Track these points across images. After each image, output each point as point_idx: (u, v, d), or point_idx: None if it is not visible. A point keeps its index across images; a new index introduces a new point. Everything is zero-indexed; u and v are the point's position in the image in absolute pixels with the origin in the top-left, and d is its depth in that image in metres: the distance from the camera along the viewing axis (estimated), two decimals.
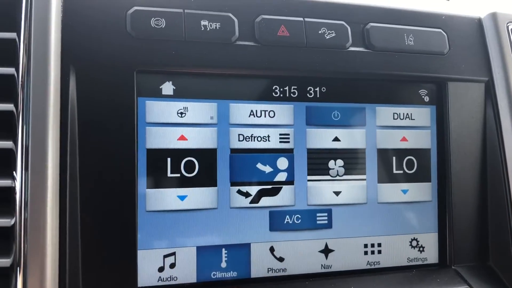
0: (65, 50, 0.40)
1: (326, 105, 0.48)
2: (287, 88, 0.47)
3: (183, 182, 0.44)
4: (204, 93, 0.45)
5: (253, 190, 0.46)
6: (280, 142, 0.47)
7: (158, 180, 0.43)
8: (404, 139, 0.50)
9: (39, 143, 0.38)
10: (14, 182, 0.38)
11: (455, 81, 0.51)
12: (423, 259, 0.51)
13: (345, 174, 0.48)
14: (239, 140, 0.46)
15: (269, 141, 0.46)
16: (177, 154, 0.44)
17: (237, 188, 0.45)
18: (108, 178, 0.41)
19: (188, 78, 0.45)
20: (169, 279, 0.43)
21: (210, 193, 0.45)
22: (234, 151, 0.46)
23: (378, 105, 0.50)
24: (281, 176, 0.47)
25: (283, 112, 0.47)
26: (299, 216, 0.47)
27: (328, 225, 0.48)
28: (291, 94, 0.47)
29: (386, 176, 0.50)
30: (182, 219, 0.44)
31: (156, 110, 0.44)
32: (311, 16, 0.47)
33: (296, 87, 0.47)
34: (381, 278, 0.48)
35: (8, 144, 0.38)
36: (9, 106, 0.39)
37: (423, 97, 0.51)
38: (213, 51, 0.44)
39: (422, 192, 0.51)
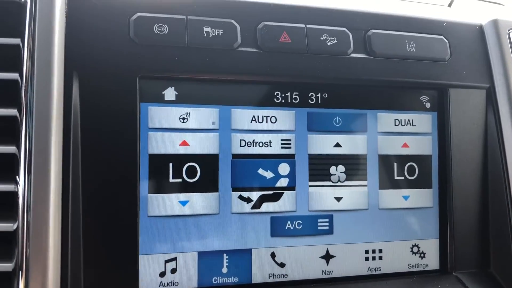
0: (69, 56, 0.41)
1: (327, 111, 0.48)
2: (288, 94, 0.47)
3: (185, 188, 0.44)
4: (206, 99, 0.45)
5: (255, 195, 0.46)
6: (282, 147, 0.47)
7: (160, 185, 0.44)
8: (405, 145, 0.51)
9: (42, 148, 0.38)
10: (17, 186, 0.38)
11: (457, 87, 0.51)
12: (424, 265, 0.51)
13: (346, 180, 0.49)
14: (240, 146, 0.46)
15: (270, 146, 0.47)
16: (179, 159, 0.44)
17: (238, 193, 0.46)
18: (110, 183, 0.41)
19: (190, 83, 0.45)
20: (170, 284, 0.43)
21: (212, 199, 0.45)
22: (235, 156, 0.46)
23: (380, 111, 0.50)
24: (283, 182, 0.47)
25: (285, 118, 0.47)
26: (300, 222, 0.47)
27: (329, 231, 0.48)
28: (293, 100, 0.48)
29: (387, 182, 0.50)
30: (184, 224, 0.44)
31: (159, 115, 0.44)
32: (313, 22, 0.47)
33: (297, 93, 0.48)
34: (382, 284, 0.48)
35: (11, 149, 0.38)
36: (13, 111, 0.39)
37: (424, 103, 0.51)
38: (215, 57, 0.44)
39: (423, 198, 0.51)
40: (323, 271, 0.47)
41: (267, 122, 0.47)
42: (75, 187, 0.40)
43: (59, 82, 0.40)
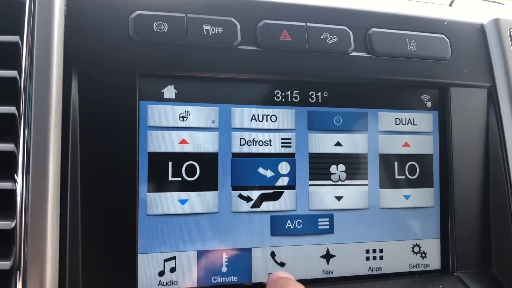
0: (68, 54, 0.41)
1: (328, 109, 0.48)
2: (289, 92, 0.47)
3: (184, 186, 0.44)
4: (206, 97, 0.45)
5: (255, 194, 0.46)
6: (282, 146, 0.47)
7: (159, 184, 0.43)
8: (406, 144, 0.50)
9: (40, 146, 0.38)
10: (15, 184, 0.38)
11: (458, 86, 0.51)
12: (425, 265, 0.50)
13: (347, 179, 0.48)
14: (240, 144, 0.46)
15: (270, 145, 0.46)
16: (179, 158, 0.44)
17: (238, 192, 0.45)
18: (109, 182, 0.41)
19: (190, 82, 0.45)
20: (169, 283, 0.43)
21: (211, 197, 0.45)
22: (235, 155, 0.45)
23: (380, 110, 0.50)
24: (283, 181, 0.46)
25: (285, 117, 0.47)
26: (301, 221, 0.47)
27: (330, 230, 0.47)
28: (293, 99, 0.47)
29: (388, 181, 0.49)
30: (183, 223, 0.44)
31: (158, 114, 0.44)
32: (313, 21, 0.47)
33: (298, 91, 0.47)
34: (383, 284, 0.47)
35: (9, 146, 0.38)
36: (11, 109, 0.39)
37: (425, 102, 0.51)
38: (215, 55, 0.44)
39: (424, 197, 0.50)
40: (323, 270, 0.47)
41: (267, 120, 0.47)
42: (74, 186, 0.40)
43: (58, 80, 0.40)
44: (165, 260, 0.43)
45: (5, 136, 0.39)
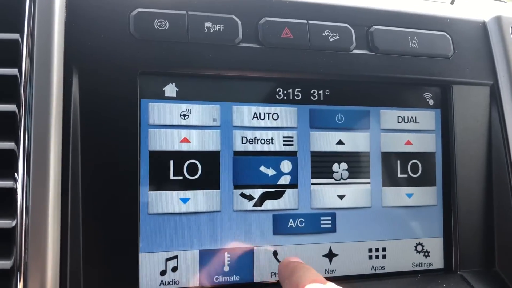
0: (68, 52, 0.40)
1: (330, 108, 0.48)
2: (290, 90, 0.47)
3: (186, 185, 0.44)
4: (207, 95, 0.45)
5: (256, 193, 0.45)
6: (284, 145, 0.46)
7: (161, 183, 0.43)
8: (408, 142, 0.50)
9: (41, 144, 0.38)
10: (16, 183, 0.37)
11: (460, 84, 0.51)
12: (428, 264, 0.50)
13: (349, 177, 0.48)
14: (242, 143, 0.45)
15: (272, 143, 0.46)
16: (180, 157, 0.44)
17: (240, 191, 0.45)
18: (110, 181, 0.41)
19: (191, 80, 0.44)
20: (171, 282, 0.43)
21: (213, 196, 0.44)
22: (237, 153, 0.45)
23: (382, 108, 0.49)
24: (285, 179, 0.46)
25: (287, 115, 0.47)
26: (303, 220, 0.46)
27: (332, 229, 0.47)
28: (295, 97, 0.47)
29: (391, 180, 0.49)
30: (185, 222, 0.43)
31: (159, 112, 0.43)
32: (315, 18, 0.47)
33: (299, 89, 0.47)
34: (386, 283, 0.47)
35: (10, 145, 0.38)
36: (12, 107, 0.38)
37: (427, 100, 0.51)
38: (216, 53, 0.44)
39: (427, 196, 0.50)
40: (326, 269, 0.47)
41: (268, 119, 0.46)
42: (75, 184, 0.40)
43: (58, 78, 0.39)
44: (167, 260, 0.43)
45: (5, 135, 0.39)
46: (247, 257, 0.45)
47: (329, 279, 0.46)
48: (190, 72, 0.44)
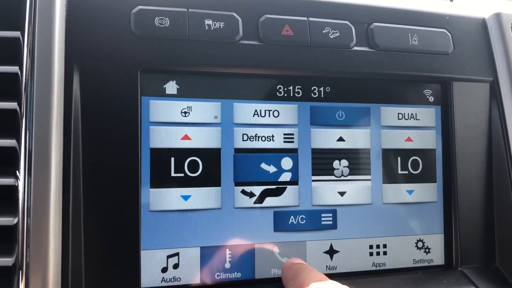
0: (69, 49, 0.40)
1: (330, 105, 0.48)
2: (291, 87, 0.47)
3: (187, 182, 0.44)
4: (208, 93, 0.45)
5: (257, 190, 0.45)
6: (285, 142, 0.46)
7: (162, 180, 0.43)
8: (409, 139, 0.50)
9: (42, 141, 0.38)
10: (17, 180, 0.38)
11: (460, 81, 0.51)
12: (429, 261, 0.50)
13: (349, 174, 0.48)
14: (243, 140, 0.45)
15: (273, 140, 0.46)
16: (181, 154, 0.44)
17: (241, 188, 0.45)
18: (111, 178, 0.41)
19: (192, 77, 0.44)
20: (172, 279, 0.43)
21: (214, 193, 0.44)
22: (238, 150, 0.45)
23: (383, 105, 0.49)
24: (286, 176, 0.46)
25: (287, 112, 0.47)
26: (304, 217, 0.46)
27: (333, 226, 0.47)
28: (295, 94, 0.47)
29: (391, 176, 0.49)
30: (186, 219, 0.43)
31: (160, 109, 0.43)
32: (315, 15, 0.47)
33: (300, 86, 0.47)
34: (387, 279, 0.47)
35: (11, 142, 0.38)
36: (13, 105, 0.38)
37: (427, 97, 0.51)
38: (217, 50, 0.44)
39: (428, 192, 0.50)
40: (327, 266, 0.47)
41: (269, 116, 0.46)
42: (76, 182, 0.40)
43: (59, 75, 0.39)
44: (168, 257, 0.43)
45: (6, 132, 0.39)
46: (248, 254, 0.45)
47: (330, 275, 0.46)
48: (191, 69, 0.44)
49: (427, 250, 0.50)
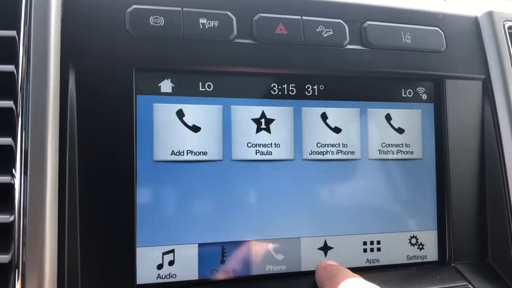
0: (65, 48, 0.41)
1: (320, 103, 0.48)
2: (285, 86, 0.47)
3: None
4: (202, 91, 0.45)
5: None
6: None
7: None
8: (402, 136, 0.51)
9: (38, 140, 0.38)
10: (13, 179, 0.38)
11: (453, 78, 0.51)
12: (422, 257, 0.50)
13: None
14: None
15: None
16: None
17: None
18: (107, 176, 0.41)
19: (186, 75, 0.45)
20: (168, 276, 0.43)
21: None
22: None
23: (376, 102, 0.50)
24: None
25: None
26: None
27: (328, 222, 0.48)
28: (289, 92, 0.48)
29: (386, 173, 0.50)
30: (182, 216, 0.44)
31: (156, 107, 0.44)
32: (309, 14, 0.47)
33: (294, 85, 0.48)
34: (381, 275, 0.48)
35: (7, 140, 0.38)
36: (9, 103, 0.39)
37: (421, 95, 0.51)
38: (211, 48, 0.44)
39: (421, 190, 0.51)
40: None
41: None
42: (72, 179, 0.40)
43: (55, 74, 0.40)
44: (164, 253, 0.43)
45: (2, 131, 0.39)
46: (244, 250, 0.45)
47: None
48: (186, 68, 0.44)
49: (420, 246, 0.50)
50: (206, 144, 0.45)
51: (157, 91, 0.44)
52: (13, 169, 0.38)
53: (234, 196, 0.45)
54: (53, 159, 0.39)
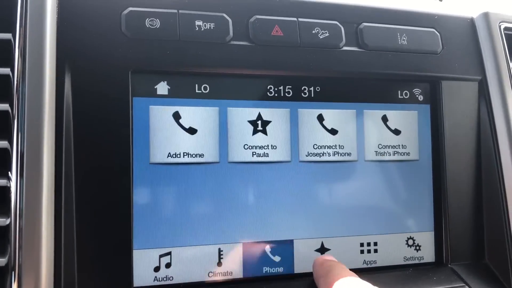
0: (60, 51, 0.41)
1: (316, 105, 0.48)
2: (281, 87, 0.47)
3: None
4: (198, 93, 0.45)
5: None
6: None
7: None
8: (398, 138, 0.51)
9: (34, 142, 0.38)
10: (9, 182, 0.38)
11: (449, 80, 0.51)
12: (419, 258, 0.51)
13: None
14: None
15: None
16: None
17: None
18: (103, 177, 0.41)
19: (183, 78, 0.45)
20: (165, 279, 0.43)
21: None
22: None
23: (373, 104, 0.50)
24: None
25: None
26: None
27: (324, 224, 0.48)
28: (286, 94, 0.48)
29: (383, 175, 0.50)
30: (178, 218, 0.44)
31: (151, 109, 0.44)
32: (305, 16, 0.47)
33: (290, 86, 0.48)
34: (378, 277, 0.48)
35: (3, 143, 0.38)
36: (5, 106, 0.39)
37: (417, 96, 0.52)
38: (207, 51, 0.44)
39: (418, 191, 0.51)
40: None
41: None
42: (68, 182, 0.40)
43: (51, 76, 0.40)
44: (160, 256, 0.43)
45: None
46: (239, 252, 0.45)
47: None
48: (182, 70, 0.44)
49: (417, 247, 0.50)
50: (202, 146, 0.45)
51: (153, 93, 0.44)
52: (9, 172, 0.38)
53: (231, 198, 0.45)
54: (49, 161, 0.39)
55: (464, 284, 0.47)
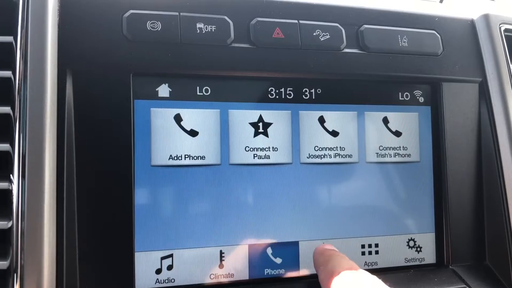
0: (62, 54, 0.41)
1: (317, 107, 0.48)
2: (282, 89, 0.48)
3: None
4: (200, 95, 0.45)
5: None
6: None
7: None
8: (399, 139, 0.51)
9: (36, 145, 0.38)
10: (11, 185, 0.38)
11: (449, 81, 0.51)
12: (420, 259, 0.51)
13: None
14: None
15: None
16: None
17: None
18: (105, 181, 0.41)
19: (184, 80, 0.45)
20: (166, 281, 0.43)
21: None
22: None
23: (374, 105, 0.50)
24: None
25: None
26: None
27: (325, 226, 0.48)
28: (287, 96, 0.48)
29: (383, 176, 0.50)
30: (179, 221, 0.44)
31: (153, 112, 0.44)
32: (306, 18, 0.47)
33: (292, 88, 0.48)
34: (379, 278, 0.48)
35: (4, 146, 0.38)
36: (6, 109, 0.39)
37: (417, 98, 0.52)
38: (208, 53, 0.44)
39: (419, 192, 0.51)
40: None
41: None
42: (70, 184, 0.40)
43: (52, 79, 0.40)
44: (162, 258, 0.43)
45: (0, 136, 0.39)
46: (242, 254, 0.45)
47: None
48: (183, 72, 0.44)
49: (418, 249, 0.51)
50: (203, 148, 0.45)
51: (154, 96, 0.44)
52: (11, 175, 0.38)
53: (232, 200, 0.45)
54: (51, 164, 0.39)
55: (465, 286, 0.47)
